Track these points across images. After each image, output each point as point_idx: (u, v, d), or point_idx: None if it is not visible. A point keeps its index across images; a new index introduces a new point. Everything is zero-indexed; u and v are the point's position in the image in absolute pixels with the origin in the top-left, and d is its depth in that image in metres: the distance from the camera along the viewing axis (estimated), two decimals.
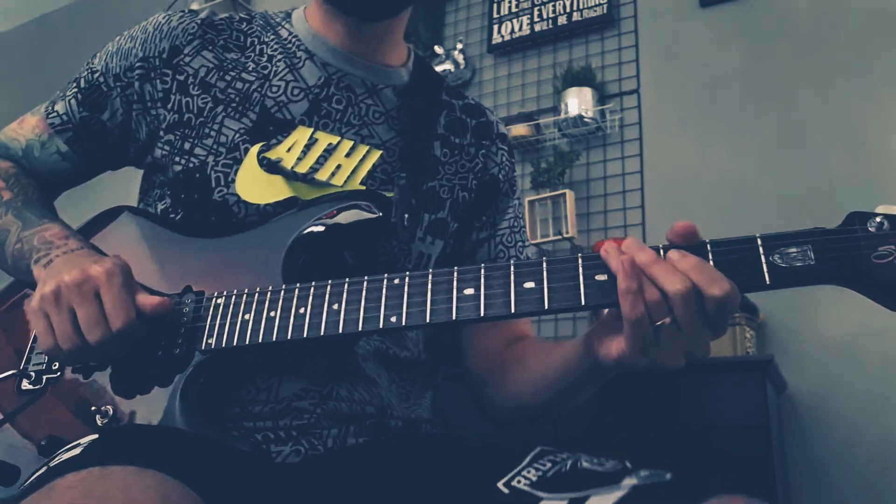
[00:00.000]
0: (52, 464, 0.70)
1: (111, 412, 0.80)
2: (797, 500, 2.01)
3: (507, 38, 2.86)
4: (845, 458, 2.00)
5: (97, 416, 0.80)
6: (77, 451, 0.69)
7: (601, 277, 0.69)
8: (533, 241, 2.42)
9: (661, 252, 0.68)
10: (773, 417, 1.83)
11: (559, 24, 2.76)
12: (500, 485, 0.71)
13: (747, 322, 2.04)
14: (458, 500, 0.74)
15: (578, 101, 2.51)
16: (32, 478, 0.70)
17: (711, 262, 0.66)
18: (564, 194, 2.43)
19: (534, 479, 0.71)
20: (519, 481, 0.71)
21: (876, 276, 0.61)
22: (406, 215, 0.90)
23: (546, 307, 0.69)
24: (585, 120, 2.51)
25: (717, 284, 0.63)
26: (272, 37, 1.00)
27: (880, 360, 2.03)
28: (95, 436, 0.74)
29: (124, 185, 1.26)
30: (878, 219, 0.62)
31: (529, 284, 0.70)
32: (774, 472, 1.70)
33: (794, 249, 0.64)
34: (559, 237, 2.41)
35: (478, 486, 0.73)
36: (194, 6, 3.33)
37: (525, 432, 0.95)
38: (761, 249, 0.65)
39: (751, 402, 1.77)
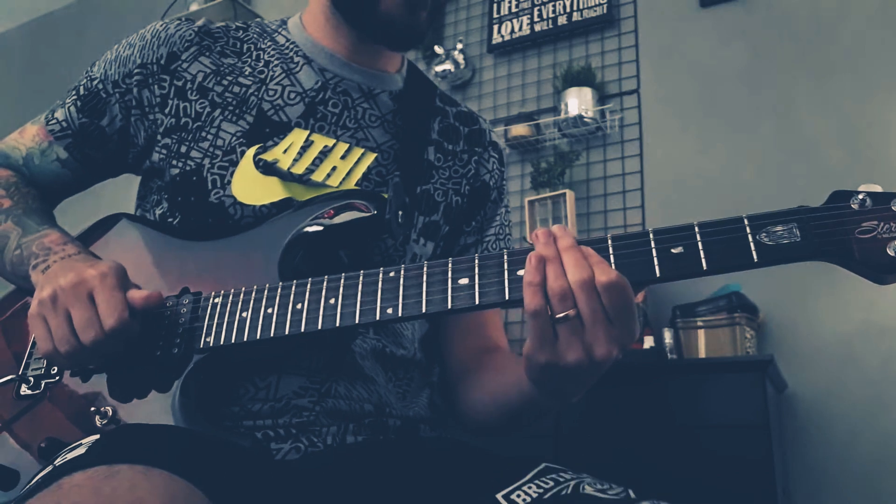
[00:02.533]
0: (57, 462, 0.70)
1: (110, 413, 0.80)
2: (797, 501, 2.01)
3: (507, 38, 2.86)
4: (845, 458, 2.00)
5: (96, 417, 0.80)
6: (81, 450, 0.69)
7: None
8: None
9: (609, 242, 0.69)
10: (773, 417, 1.83)
11: (559, 24, 2.76)
12: (499, 496, 0.71)
13: (747, 322, 2.04)
14: None
15: (578, 101, 2.51)
16: (38, 477, 0.70)
17: (700, 244, 0.66)
18: (564, 194, 2.43)
19: (534, 495, 0.70)
20: (519, 495, 0.71)
21: (860, 250, 0.63)
22: (400, 213, 0.90)
23: None
24: (585, 120, 2.51)
25: (605, 274, 0.65)
26: (269, 43, 1.02)
27: (880, 359, 2.03)
28: (97, 436, 0.74)
29: (124, 191, 1.27)
30: (860, 196, 0.64)
31: (522, 272, 0.71)
32: (774, 472, 1.70)
33: (779, 228, 0.66)
34: None
35: (477, 495, 0.73)
36: (193, 7, 3.33)
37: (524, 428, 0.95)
38: (748, 229, 0.66)
39: (751, 402, 1.77)
